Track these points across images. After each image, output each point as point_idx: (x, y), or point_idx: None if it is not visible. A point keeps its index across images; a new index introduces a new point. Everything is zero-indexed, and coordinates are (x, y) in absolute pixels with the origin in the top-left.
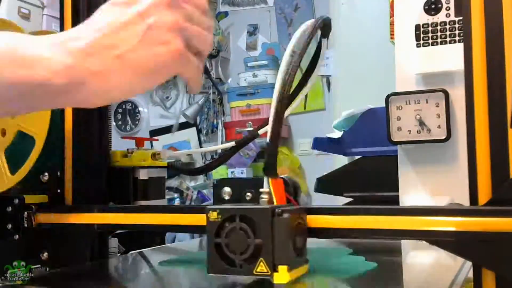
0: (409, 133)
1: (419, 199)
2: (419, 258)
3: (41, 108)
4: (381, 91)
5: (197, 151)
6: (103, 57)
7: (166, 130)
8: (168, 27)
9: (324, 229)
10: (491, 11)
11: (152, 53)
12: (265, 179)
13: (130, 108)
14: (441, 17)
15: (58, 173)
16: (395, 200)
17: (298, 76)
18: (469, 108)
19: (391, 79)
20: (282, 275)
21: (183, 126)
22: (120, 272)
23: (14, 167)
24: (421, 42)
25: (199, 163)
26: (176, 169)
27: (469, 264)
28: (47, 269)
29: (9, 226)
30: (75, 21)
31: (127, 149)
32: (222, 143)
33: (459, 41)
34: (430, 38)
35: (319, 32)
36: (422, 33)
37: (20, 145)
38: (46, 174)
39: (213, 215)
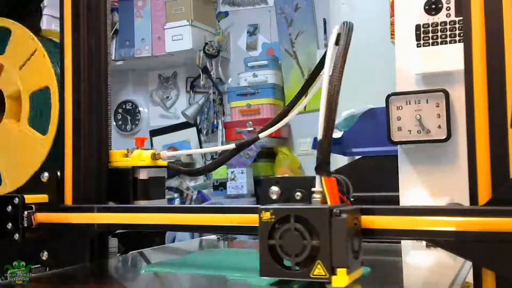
0: (409, 133)
1: (419, 199)
2: (419, 258)
3: None
4: (381, 91)
5: (197, 151)
6: None
7: (166, 130)
8: None
9: (379, 230)
10: (491, 11)
11: None
12: (317, 177)
13: (130, 108)
14: (441, 17)
15: (58, 173)
16: (395, 200)
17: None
18: (469, 108)
19: (391, 79)
20: (341, 278)
21: (183, 126)
22: (120, 272)
23: (42, 128)
24: (421, 42)
25: (199, 163)
26: (174, 169)
27: (469, 264)
28: (47, 269)
29: (9, 226)
30: (75, 21)
31: (127, 149)
32: (222, 143)
33: (459, 41)
34: (430, 38)
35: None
36: (422, 33)
37: (38, 107)
38: (46, 174)
39: (266, 216)
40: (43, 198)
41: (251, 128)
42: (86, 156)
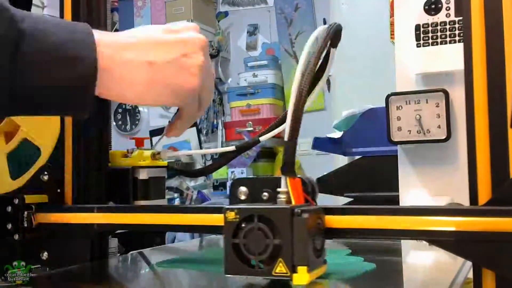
0: (409, 133)
1: (419, 199)
2: (419, 258)
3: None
4: (381, 91)
5: (197, 152)
6: (136, 55)
7: None
8: (197, 64)
9: (342, 230)
10: (491, 11)
11: (176, 75)
12: (282, 178)
13: (130, 108)
14: (441, 17)
15: (58, 173)
16: (395, 200)
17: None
18: (469, 108)
19: (391, 79)
20: (302, 276)
21: None
22: (120, 272)
23: (15, 171)
24: (421, 42)
25: (199, 163)
26: (173, 170)
27: (469, 264)
28: (47, 269)
29: (9, 226)
30: (75, 21)
31: (127, 149)
32: (222, 143)
33: (459, 41)
34: (430, 38)
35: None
36: (422, 33)
37: (24, 152)
38: (46, 174)
39: (231, 215)
40: (43, 198)
41: (251, 128)
42: (86, 156)
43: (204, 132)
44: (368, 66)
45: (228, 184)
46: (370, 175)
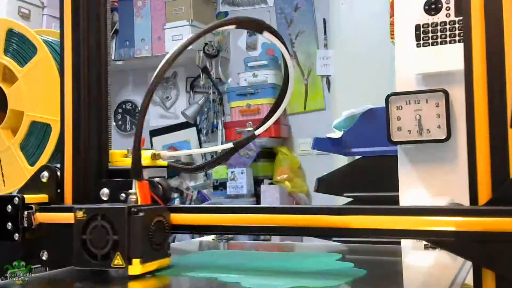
0: (409, 133)
1: (419, 199)
2: (419, 258)
3: None
4: (381, 91)
5: (197, 151)
6: None
7: (166, 130)
8: None
9: (188, 226)
10: (491, 11)
11: None
12: (133, 182)
13: (130, 108)
14: (441, 17)
15: (58, 173)
16: (395, 200)
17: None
18: (469, 108)
19: (391, 79)
20: (136, 267)
21: (183, 126)
22: (120, 272)
23: (32, 157)
24: (421, 42)
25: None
26: (171, 167)
27: (469, 264)
28: (47, 269)
29: (9, 226)
30: (75, 21)
31: (127, 149)
32: (222, 143)
33: (459, 41)
34: (430, 38)
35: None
36: (422, 33)
37: (36, 134)
38: (46, 174)
39: (80, 214)
40: (43, 198)
41: (251, 128)
42: (86, 156)
43: (204, 132)
44: (368, 66)
45: (228, 184)
46: (370, 175)
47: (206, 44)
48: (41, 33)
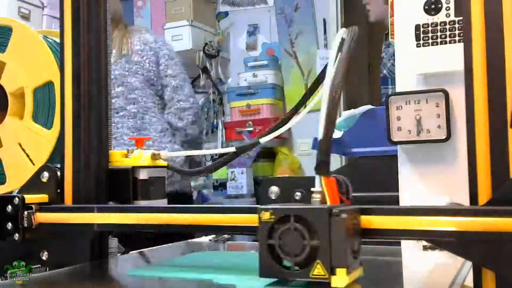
0: (409, 133)
1: (419, 199)
2: (419, 259)
3: None
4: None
5: (197, 152)
6: None
7: None
8: None
9: (378, 230)
10: (491, 11)
11: None
12: (316, 177)
13: None
14: (441, 17)
15: (58, 173)
16: (395, 200)
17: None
18: (469, 108)
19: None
20: (341, 278)
21: None
22: (120, 272)
23: (46, 123)
24: (421, 42)
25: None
26: (172, 169)
27: (469, 264)
28: (47, 269)
29: (9, 226)
30: (75, 21)
31: (127, 149)
32: (222, 143)
33: (459, 41)
34: (430, 38)
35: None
36: (422, 33)
37: (41, 103)
38: (46, 174)
39: (266, 216)
40: (43, 198)
41: (251, 128)
42: (86, 156)
43: (204, 132)
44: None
45: (229, 184)
46: (370, 175)
47: (206, 44)
48: (41, 33)
